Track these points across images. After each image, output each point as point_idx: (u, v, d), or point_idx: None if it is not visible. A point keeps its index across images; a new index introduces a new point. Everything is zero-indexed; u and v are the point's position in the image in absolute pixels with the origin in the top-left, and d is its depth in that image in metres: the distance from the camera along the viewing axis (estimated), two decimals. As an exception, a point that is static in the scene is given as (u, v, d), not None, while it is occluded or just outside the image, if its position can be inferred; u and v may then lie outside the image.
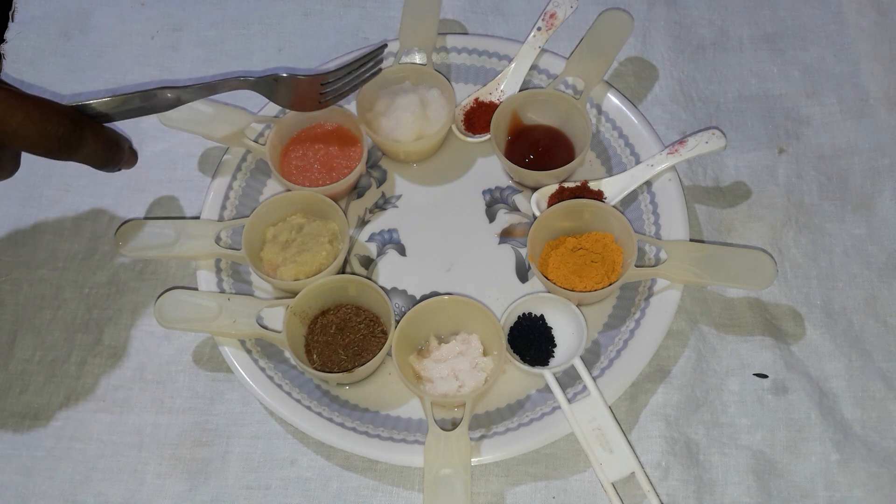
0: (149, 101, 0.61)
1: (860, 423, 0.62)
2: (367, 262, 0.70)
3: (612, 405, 0.61)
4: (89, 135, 0.56)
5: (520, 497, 0.61)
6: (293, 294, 0.65)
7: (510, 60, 0.75)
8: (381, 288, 0.66)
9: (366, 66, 0.70)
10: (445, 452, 0.58)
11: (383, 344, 0.63)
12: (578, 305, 0.64)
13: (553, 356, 0.64)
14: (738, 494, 0.60)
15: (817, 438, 0.61)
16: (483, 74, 0.76)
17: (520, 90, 0.74)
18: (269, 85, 0.65)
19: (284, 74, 0.65)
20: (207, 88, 0.63)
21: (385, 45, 0.72)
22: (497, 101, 0.74)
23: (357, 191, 0.73)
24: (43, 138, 0.53)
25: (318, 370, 0.63)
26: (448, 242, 0.70)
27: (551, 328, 0.65)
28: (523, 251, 0.70)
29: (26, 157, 0.57)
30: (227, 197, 0.72)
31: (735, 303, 0.67)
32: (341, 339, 0.65)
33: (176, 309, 0.65)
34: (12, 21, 0.84)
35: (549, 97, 0.71)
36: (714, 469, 0.61)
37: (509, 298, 0.67)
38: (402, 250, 0.71)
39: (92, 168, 0.59)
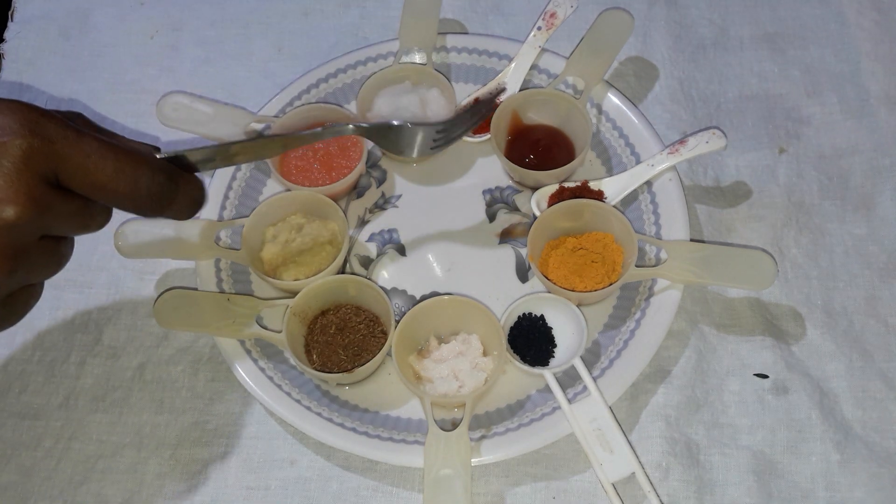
0: (250, 151, 0.57)
1: (861, 423, 0.62)
2: (367, 262, 0.70)
3: (613, 405, 0.61)
4: (182, 191, 0.50)
5: (520, 497, 0.61)
6: (293, 294, 0.65)
7: (510, 60, 0.75)
8: (381, 288, 0.66)
9: (480, 113, 0.67)
10: (445, 453, 0.58)
11: (383, 344, 0.63)
12: (579, 305, 0.64)
13: (553, 356, 0.64)
14: (739, 495, 0.60)
15: (818, 439, 0.61)
16: (483, 74, 0.76)
17: (520, 90, 0.74)
18: (381, 131, 0.61)
19: (396, 122, 0.61)
20: (313, 136, 0.59)
21: (504, 89, 0.69)
22: (497, 101, 0.74)
23: (357, 191, 0.73)
24: (134, 194, 0.47)
25: (318, 370, 0.63)
26: (448, 242, 0.70)
27: (551, 328, 0.65)
28: (523, 251, 0.69)
29: None
30: (226, 197, 0.71)
31: (735, 303, 0.67)
32: (341, 339, 0.64)
33: (175, 309, 0.65)
34: (11, 21, 0.84)
35: (549, 97, 0.71)
36: (714, 469, 0.61)
37: (509, 298, 0.66)
38: (402, 250, 0.70)
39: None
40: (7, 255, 0.43)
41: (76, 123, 0.46)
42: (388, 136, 0.61)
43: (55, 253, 0.47)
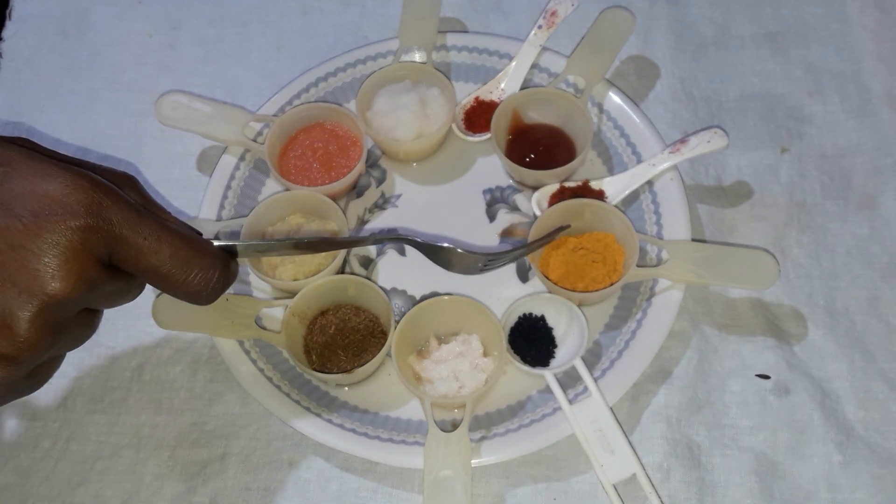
0: (300, 247, 0.55)
1: (863, 424, 0.62)
2: (367, 262, 0.70)
3: (614, 406, 0.61)
4: (229, 282, 0.49)
5: (520, 498, 0.61)
6: (292, 294, 0.65)
7: (511, 59, 0.75)
8: (381, 288, 0.66)
9: (532, 247, 0.66)
10: (445, 454, 0.58)
11: (383, 344, 0.63)
12: (579, 306, 0.64)
13: (554, 357, 0.63)
14: (741, 496, 0.60)
15: (820, 440, 0.61)
16: (483, 73, 0.76)
17: (520, 89, 0.73)
18: (434, 250, 0.60)
19: (447, 245, 0.59)
20: (371, 240, 0.59)
21: (567, 226, 0.66)
22: (497, 100, 0.73)
23: (356, 190, 0.73)
24: (185, 281, 0.46)
25: (318, 371, 0.63)
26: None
27: (552, 328, 0.64)
28: (524, 251, 0.69)
29: None
30: (225, 196, 0.71)
31: (737, 303, 0.66)
32: (341, 339, 0.64)
33: (174, 309, 0.64)
34: (9, 19, 0.84)
35: (549, 96, 0.71)
36: (716, 471, 0.61)
37: (510, 298, 0.66)
38: (401, 250, 0.70)
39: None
40: (51, 330, 0.42)
41: (126, 192, 0.45)
42: (439, 254, 0.60)
43: (89, 325, 0.46)
